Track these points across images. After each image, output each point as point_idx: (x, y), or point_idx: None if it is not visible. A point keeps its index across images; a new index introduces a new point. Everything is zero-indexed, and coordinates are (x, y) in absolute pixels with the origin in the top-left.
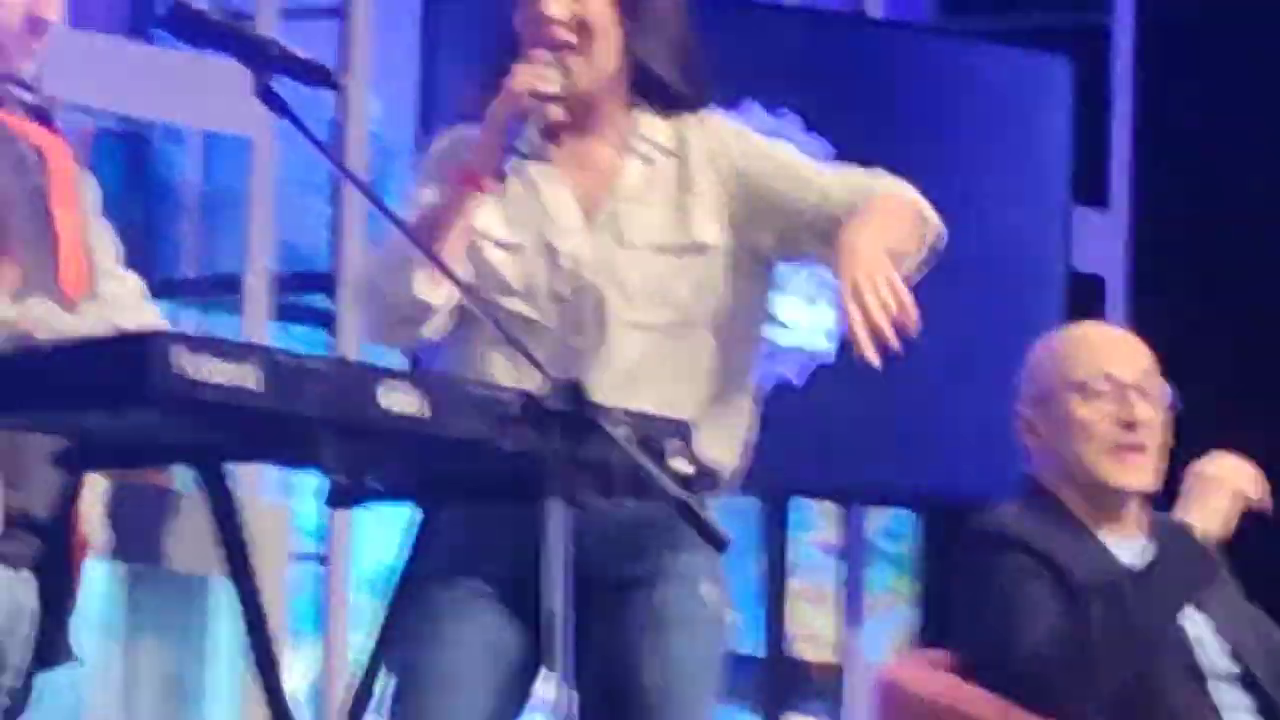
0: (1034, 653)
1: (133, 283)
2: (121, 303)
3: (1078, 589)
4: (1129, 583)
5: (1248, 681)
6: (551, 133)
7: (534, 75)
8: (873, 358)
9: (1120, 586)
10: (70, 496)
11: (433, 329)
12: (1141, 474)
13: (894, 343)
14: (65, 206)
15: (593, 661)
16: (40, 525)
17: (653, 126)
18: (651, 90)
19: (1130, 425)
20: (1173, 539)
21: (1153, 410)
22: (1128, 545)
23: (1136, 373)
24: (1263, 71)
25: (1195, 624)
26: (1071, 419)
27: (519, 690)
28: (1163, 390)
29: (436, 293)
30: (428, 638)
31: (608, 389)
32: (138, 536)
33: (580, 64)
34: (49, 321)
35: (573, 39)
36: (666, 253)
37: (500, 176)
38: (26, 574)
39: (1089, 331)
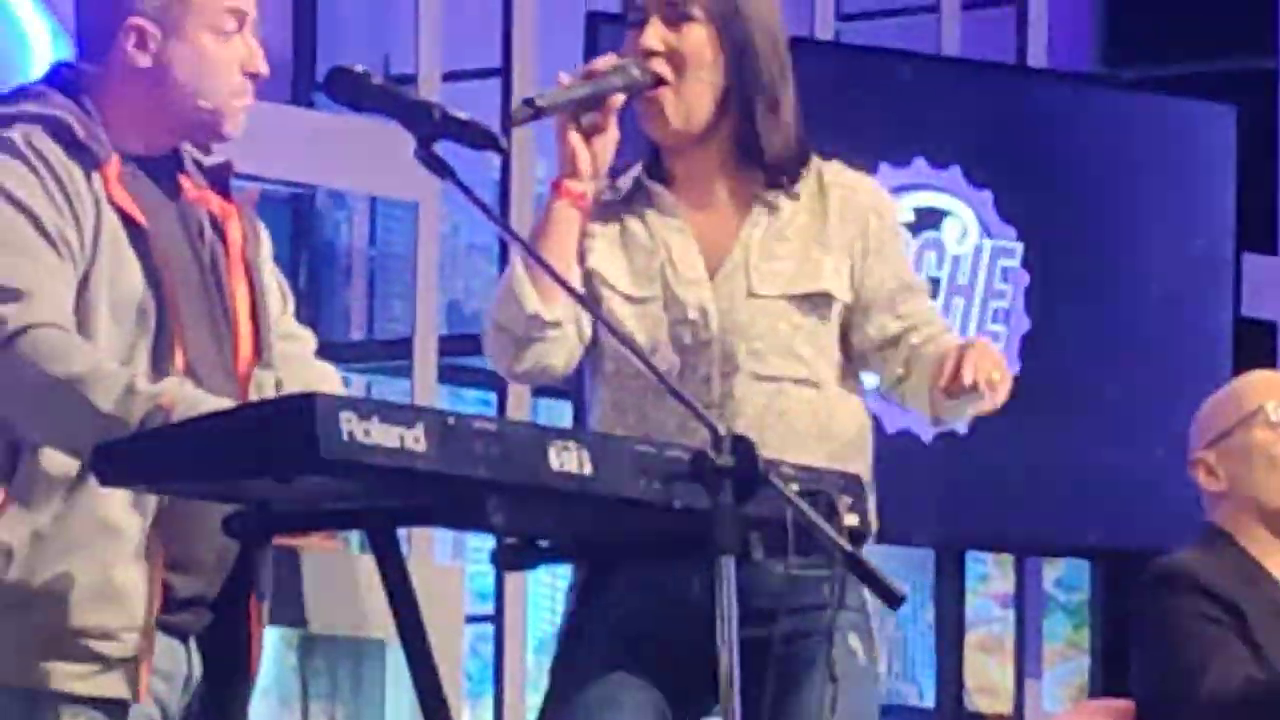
0: (1214, 696)
1: (306, 338)
2: (293, 362)
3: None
4: None
5: None
6: (669, 178)
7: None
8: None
9: None
10: (247, 569)
11: (560, 356)
12: None
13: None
14: (239, 278)
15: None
16: (213, 601)
17: (827, 177)
18: (743, 138)
19: None
20: None
21: None
22: None
23: None
24: None
25: None
26: (1254, 447)
27: None
28: None
29: (550, 308)
30: (580, 689)
31: (761, 426)
32: (310, 600)
33: (671, 98)
34: (189, 400)
35: (667, 72)
36: (794, 304)
37: (580, 176)
38: (194, 644)
39: (1260, 371)
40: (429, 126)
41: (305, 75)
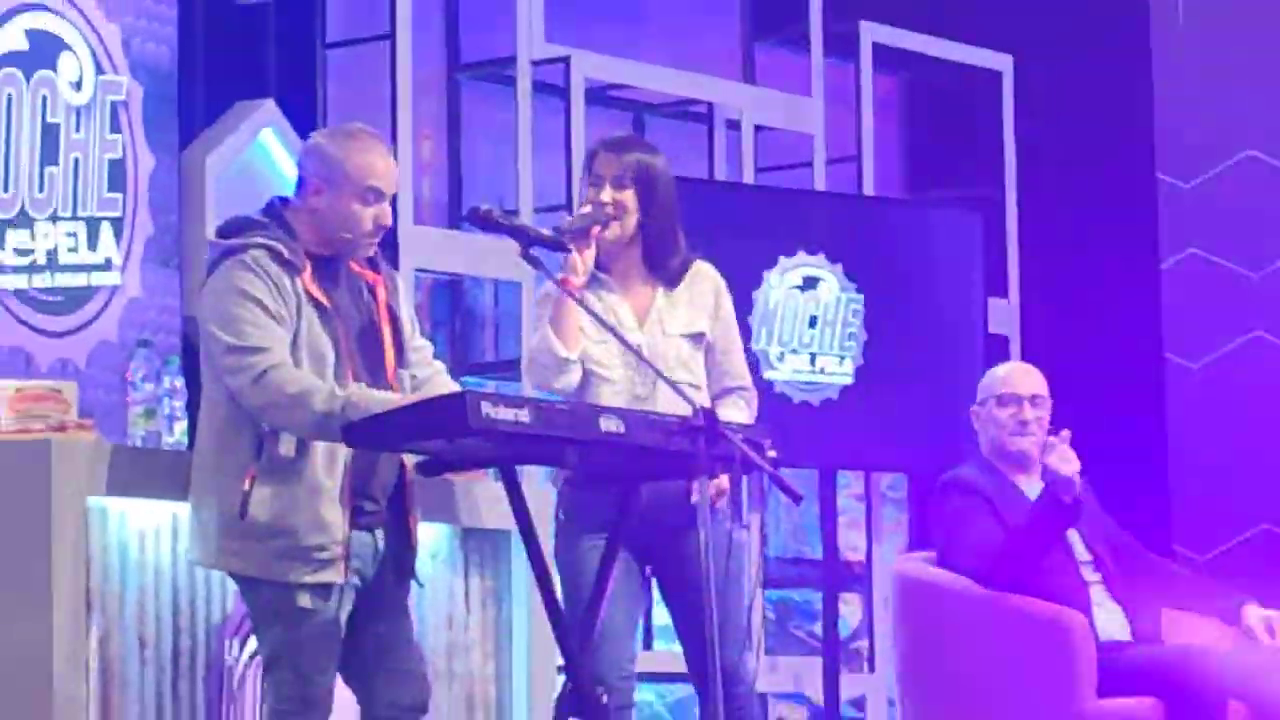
0: (975, 549)
1: (428, 348)
2: (420, 364)
3: None
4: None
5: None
6: (607, 270)
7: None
8: None
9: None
10: (405, 494)
11: (572, 380)
12: None
13: None
14: (385, 320)
15: (670, 570)
16: (382, 507)
17: (694, 271)
18: (649, 249)
19: None
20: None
21: None
22: None
23: None
24: None
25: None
26: (992, 413)
27: (642, 592)
28: None
29: (572, 351)
30: (580, 565)
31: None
32: (466, 508)
33: (617, 228)
34: (366, 396)
35: (616, 214)
36: (688, 339)
37: (579, 275)
38: (380, 533)
39: (1009, 365)
40: (527, 239)
41: (455, 210)
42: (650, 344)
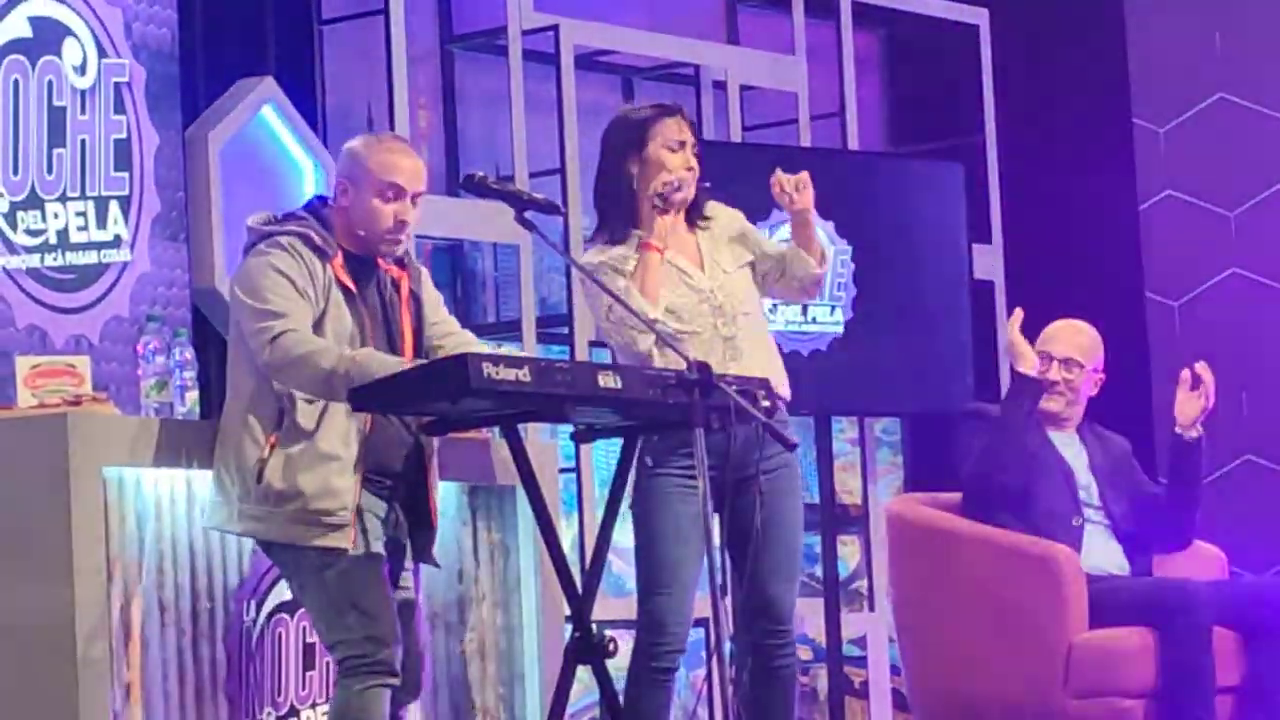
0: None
1: (455, 322)
2: (451, 335)
3: None
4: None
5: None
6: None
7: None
8: None
9: None
10: (423, 458)
11: (652, 340)
12: None
13: None
14: (407, 311)
15: (732, 512)
16: (397, 478)
17: (709, 213)
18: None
19: None
20: None
21: None
22: None
23: None
24: None
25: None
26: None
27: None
28: None
29: (658, 309)
30: (660, 512)
31: (748, 351)
32: (476, 466)
33: (689, 188)
34: (374, 359)
35: (692, 176)
36: (743, 269)
37: (661, 238)
38: (396, 506)
39: (1056, 323)
40: (520, 203)
41: (453, 178)
42: (720, 285)
